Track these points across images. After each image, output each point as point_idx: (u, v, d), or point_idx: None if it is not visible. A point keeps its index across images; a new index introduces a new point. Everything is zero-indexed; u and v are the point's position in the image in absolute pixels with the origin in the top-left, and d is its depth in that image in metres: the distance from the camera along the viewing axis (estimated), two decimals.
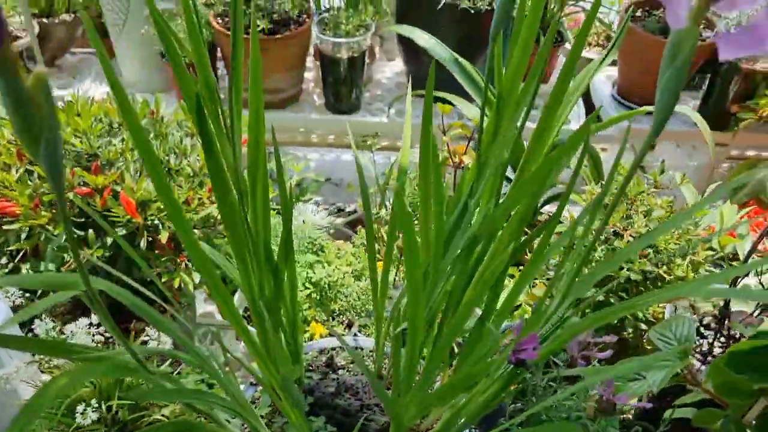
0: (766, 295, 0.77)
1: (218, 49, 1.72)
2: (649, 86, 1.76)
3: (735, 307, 1.01)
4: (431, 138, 0.86)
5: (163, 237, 1.13)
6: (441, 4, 1.59)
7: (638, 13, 1.78)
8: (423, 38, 1.46)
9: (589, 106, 1.95)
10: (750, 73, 1.63)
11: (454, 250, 0.83)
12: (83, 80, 1.92)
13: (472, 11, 1.54)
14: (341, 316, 1.16)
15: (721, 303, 1.02)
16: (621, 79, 1.82)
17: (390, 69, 2.00)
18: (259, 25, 1.57)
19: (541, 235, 0.77)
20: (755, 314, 0.94)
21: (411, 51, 1.76)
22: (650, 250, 1.09)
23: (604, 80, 1.91)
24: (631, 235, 1.10)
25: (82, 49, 2.00)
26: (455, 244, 0.83)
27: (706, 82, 1.74)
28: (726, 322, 0.98)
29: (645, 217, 1.14)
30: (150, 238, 1.16)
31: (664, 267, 1.09)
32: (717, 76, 1.68)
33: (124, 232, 1.13)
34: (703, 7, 0.45)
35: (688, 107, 1.40)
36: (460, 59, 1.45)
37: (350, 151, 1.91)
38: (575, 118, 1.81)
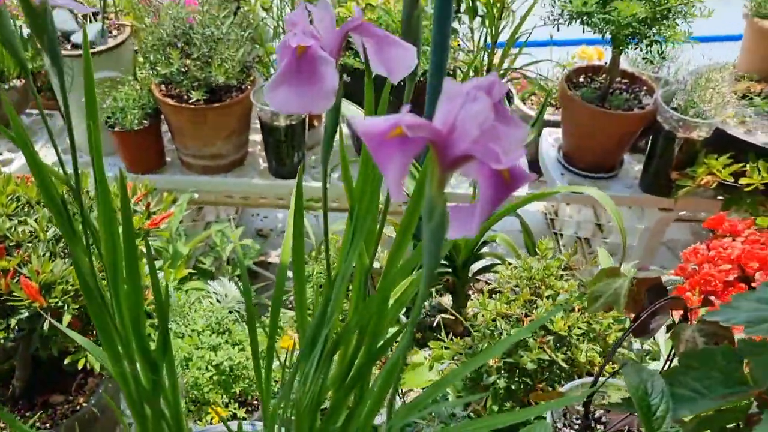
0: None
1: (161, 115, 1.74)
2: (591, 152, 1.75)
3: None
4: (302, 225, 0.86)
5: (66, 320, 1.13)
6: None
7: (581, 79, 1.79)
8: (350, 110, 1.47)
9: (539, 170, 1.94)
10: (688, 141, 1.62)
11: (316, 350, 0.82)
12: (37, 141, 1.95)
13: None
14: (249, 398, 1.15)
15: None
16: (565, 144, 1.82)
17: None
18: (193, 96, 1.59)
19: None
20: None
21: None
22: (551, 337, 1.07)
23: (552, 143, 1.91)
24: (531, 320, 1.08)
25: (35, 110, 2.03)
26: (318, 344, 0.83)
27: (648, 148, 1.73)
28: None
29: (551, 300, 1.13)
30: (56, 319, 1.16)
31: (567, 352, 1.07)
32: (657, 143, 1.67)
33: (27, 314, 1.13)
34: (442, 181, 0.44)
35: (594, 188, 1.39)
36: None
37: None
38: None
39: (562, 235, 2.46)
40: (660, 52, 1.49)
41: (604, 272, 0.77)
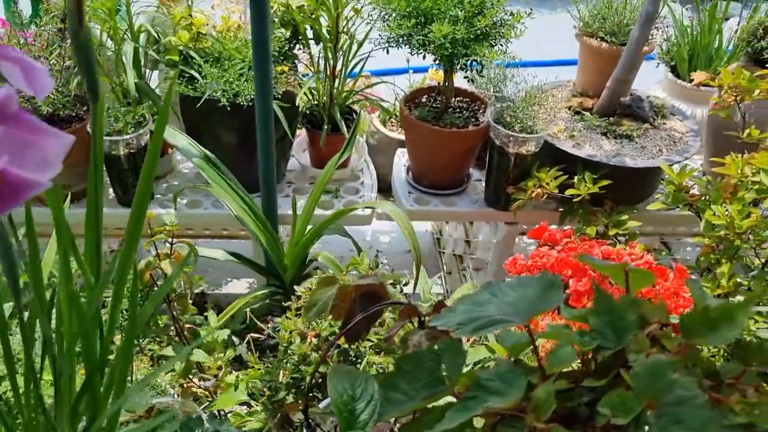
0: None
1: None
2: (434, 170, 1.80)
3: None
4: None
5: None
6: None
7: (423, 99, 1.84)
8: (178, 138, 1.48)
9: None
10: (519, 156, 1.68)
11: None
12: None
13: (228, 107, 1.56)
14: None
15: None
16: (411, 164, 1.86)
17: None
18: None
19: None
20: None
21: (196, 139, 1.78)
22: (336, 350, 1.09)
23: (404, 163, 1.94)
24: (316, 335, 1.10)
25: None
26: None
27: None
28: None
29: None
30: None
31: None
32: (493, 159, 1.73)
33: None
34: None
35: (390, 204, 1.45)
36: (211, 156, 1.47)
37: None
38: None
39: (443, 252, 2.51)
40: (479, 71, 1.54)
41: (322, 281, 0.79)
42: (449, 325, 0.73)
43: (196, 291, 2.23)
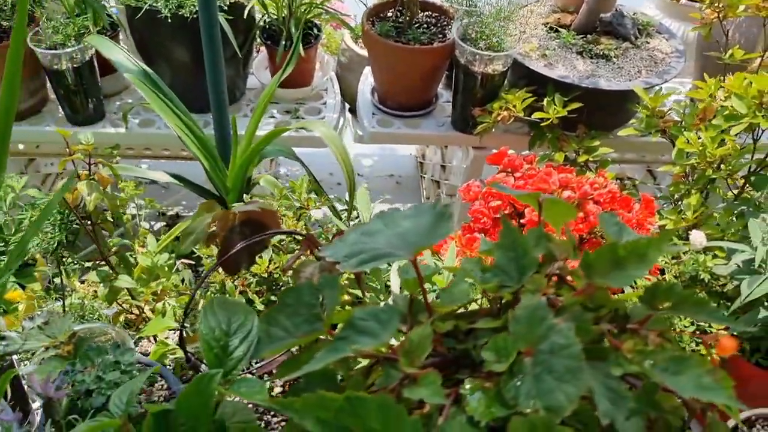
0: None
1: None
2: (398, 90, 1.70)
3: None
4: None
5: None
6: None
7: (389, 13, 1.71)
8: (114, 50, 1.39)
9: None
10: (486, 76, 1.57)
11: None
12: None
13: (169, 19, 1.46)
14: None
15: None
16: (376, 84, 1.76)
17: None
18: None
19: None
20: None
21: (148, 59, 1.68)
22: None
23: (370, 84, 1.84)
24: None
25: None
26: None
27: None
28: None
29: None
30: None
31: None
32: (459, 79, 1.62)
33: None
34: None
35: (323, 125, 1.35)
36: (149, 72, 1.38)
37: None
38: None
39: (424, 177, 2.44)
40: None
41: (203, 207, 0.72)
42: (336, 257, 0.67)
43: (170, 213, 2.19)
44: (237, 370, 0.67)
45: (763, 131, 1.30)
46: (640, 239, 0.63)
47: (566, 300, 0.63)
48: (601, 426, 0.56)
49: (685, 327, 1.15)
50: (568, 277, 0.68)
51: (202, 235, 0.70)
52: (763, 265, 1.10)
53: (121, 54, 1.38)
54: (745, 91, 1.19)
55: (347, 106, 1.96)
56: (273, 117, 1.75)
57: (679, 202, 1.45)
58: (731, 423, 0.99)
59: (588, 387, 0.53)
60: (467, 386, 0.59)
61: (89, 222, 1.13)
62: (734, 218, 1.33)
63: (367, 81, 1.83)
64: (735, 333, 1.16)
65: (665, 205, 1.53)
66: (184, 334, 0.73)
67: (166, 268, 1.28)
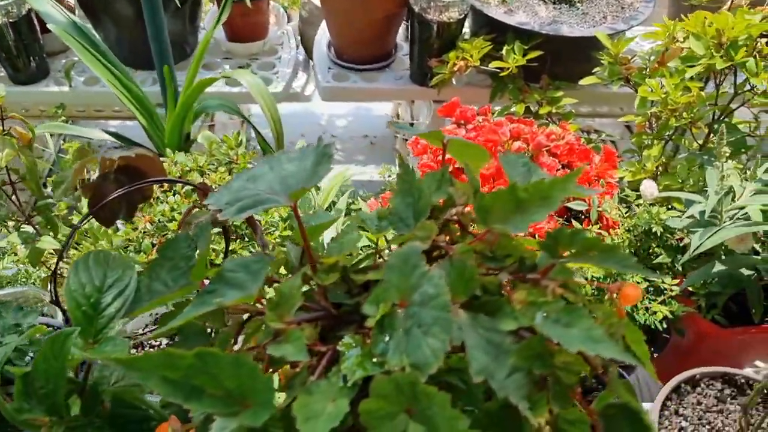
0: None
1: None
2: (353, 42, 1.62)
3: None
4: None
5: None
6: None
7: None
8: (41, 2, 1.32)
9: None
10: (442, 24, 1.49)
11: None
12: None
13: None
14: None
15: None
16: (331, 37, 1.68)
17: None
18: None
19: None
20: None
21: (93, 16, 1.60)
22: None
23: (326, 41, 1.76)
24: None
25: None
26: None
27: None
28: None
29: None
30: None
31: None
32: (415, 28, 1.54)
33: None
34: None
35: (248, 75, 1.26)
36: (80, 24, 1.31)
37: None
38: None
39: (397, 137, 2.37)
40: None
41: (75, 154, 0.66)
42: (218, 204, 0.61)
43: None
44: (108, 328, 0.62)
45: (725, 76, 1.22)
46: (542, 179, 0.57)
47: (458, 248, 0.57)
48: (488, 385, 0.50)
49: (638, 282, 1.10)
50: (472, 226, 0.63)
51: (72, 183, 0.64)
52: (717, 216, 1.03)
53: (49, 5, 1.31)
54: (703, 31, 1.11)
55: (312, 63, 1.89)
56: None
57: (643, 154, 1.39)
58: (676, 381, 0.94)
59: (459, 341, 0.47)
60: (345, 342, 0.53)
61: (11, 182, 1.07)
62: (697, 169, 1.27)
63: (324, 34, 1.75)
64: (690, 288, 1.11)
65: (632, 158, 1.46)
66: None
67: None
